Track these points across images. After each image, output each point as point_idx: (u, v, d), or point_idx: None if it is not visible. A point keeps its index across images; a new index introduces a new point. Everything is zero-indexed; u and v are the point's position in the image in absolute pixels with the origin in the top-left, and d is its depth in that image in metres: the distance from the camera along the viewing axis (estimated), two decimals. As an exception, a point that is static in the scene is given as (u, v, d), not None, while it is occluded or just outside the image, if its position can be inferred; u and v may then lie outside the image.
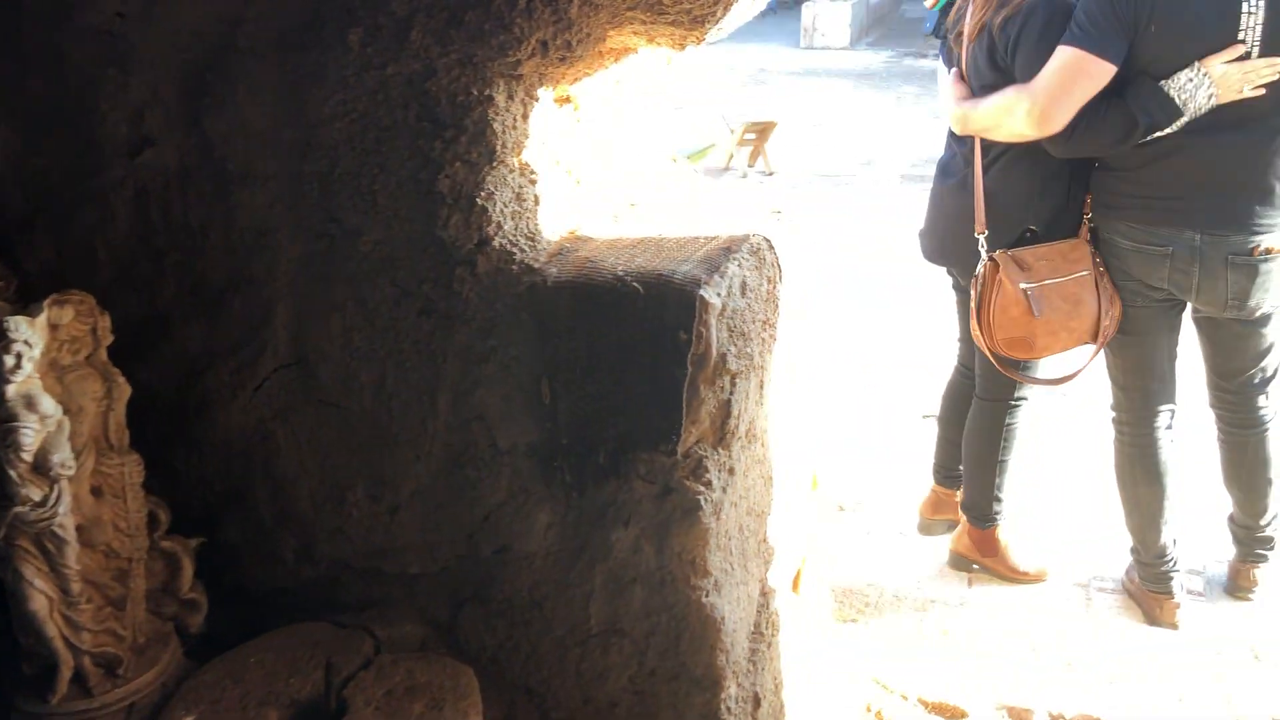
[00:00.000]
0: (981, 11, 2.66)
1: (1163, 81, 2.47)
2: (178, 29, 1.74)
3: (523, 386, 1.68)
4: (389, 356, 1.75)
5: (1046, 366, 2.95)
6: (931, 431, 4.16)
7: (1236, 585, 3.10)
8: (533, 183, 1.70)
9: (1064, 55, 2.47)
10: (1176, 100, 2.45)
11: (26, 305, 1.53)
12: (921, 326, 5.21)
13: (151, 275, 1.83)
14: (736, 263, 1.68)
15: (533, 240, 1.68)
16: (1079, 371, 2.83)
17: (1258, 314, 2.66)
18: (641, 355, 1.60)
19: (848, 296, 5.65)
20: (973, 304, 2.72)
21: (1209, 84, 2.44)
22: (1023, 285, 2.64)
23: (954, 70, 2.86)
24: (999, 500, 3.18)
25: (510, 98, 1.62)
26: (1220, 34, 2.41)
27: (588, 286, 1.61)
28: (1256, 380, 2.82)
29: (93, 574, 1.61)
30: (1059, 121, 2.49)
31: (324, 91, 1.66)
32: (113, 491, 1.64)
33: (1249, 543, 3.05)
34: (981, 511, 3.17)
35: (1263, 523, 3.00)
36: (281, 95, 1.70)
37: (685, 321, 1.57)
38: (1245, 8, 2.39)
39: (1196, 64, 2.45)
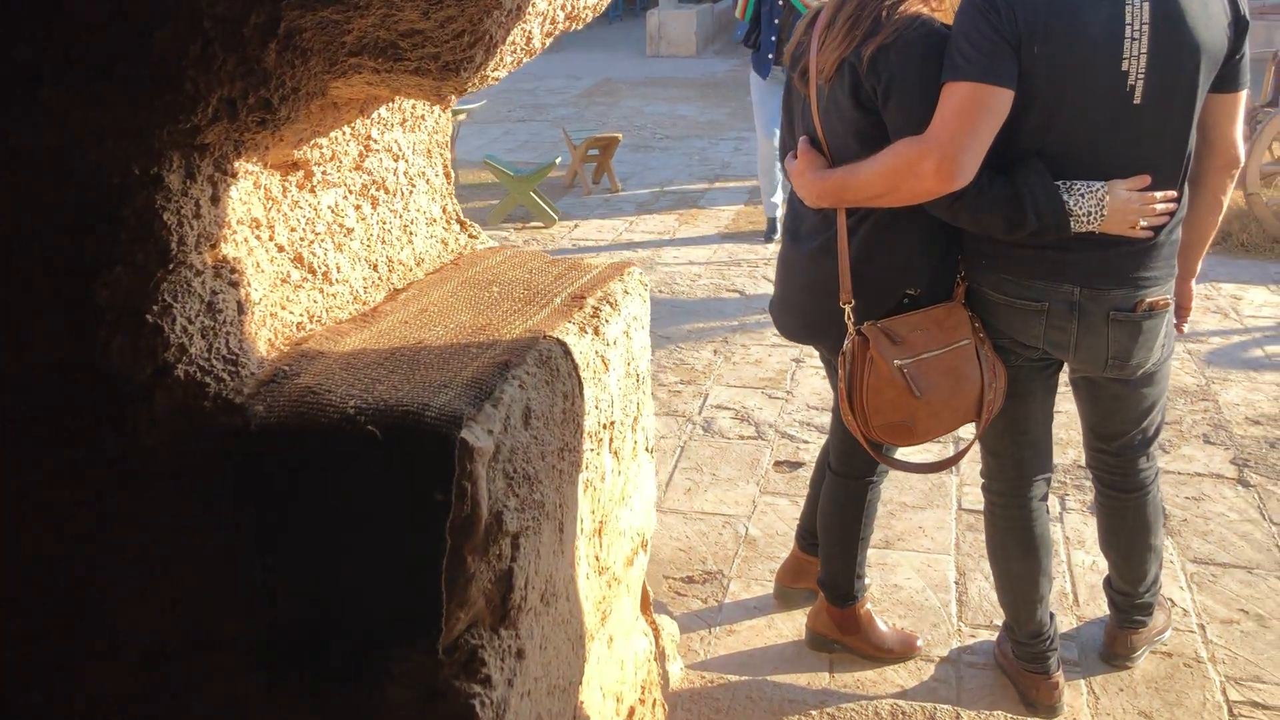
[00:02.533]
0: (840, 44, 2.30)
1: (1062, 184, 2.18)
2: None
3: (230, 562, 1.24)
4: (50, 524, 1.28)
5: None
6: (782, 486, 3.84)
7: (1114, 652, 2.87)
8: (234, 285, 1.25)
9: (959, 92, 2.14)
10: (1069, 206, 2.17)
11: None
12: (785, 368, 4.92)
13: None
14: (516, 382, 1.28)
15: (234, 364, 1.24)
16: (962, 455, 2.52)
17: (1139, 373, 2.40)
18: (385, 523, 1.18)
19: (701, 335, 5.32)
20: (841, 386, 2.37)
21: (1102, 209, 2.18)
22: (897, 361, 2.30)
23: (803, 138, 2.49)
24: (860, 577, 2.87)
25: (190, 177, 1.17)
26: (1106, 59, 2.12)
27: (306, 432, 1.18)
28: (1137, 441, 2.57)
29: None
30: (971, 170, 2.15)
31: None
32: None
33: (1127, 609, 2.82)
34: (841, 591, 2.86)
35: (1141, 589, 2.77)
36: None
37: (441, 476, 1.15)
38: (1128, 32, 2.11)
39: (1103, 185, 2.18)
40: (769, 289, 5.95)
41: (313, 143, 1.38)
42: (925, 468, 2.58)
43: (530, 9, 1.26)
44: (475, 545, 1.19)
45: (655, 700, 1.85)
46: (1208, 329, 5.09)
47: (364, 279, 1.52)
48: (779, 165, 7.12)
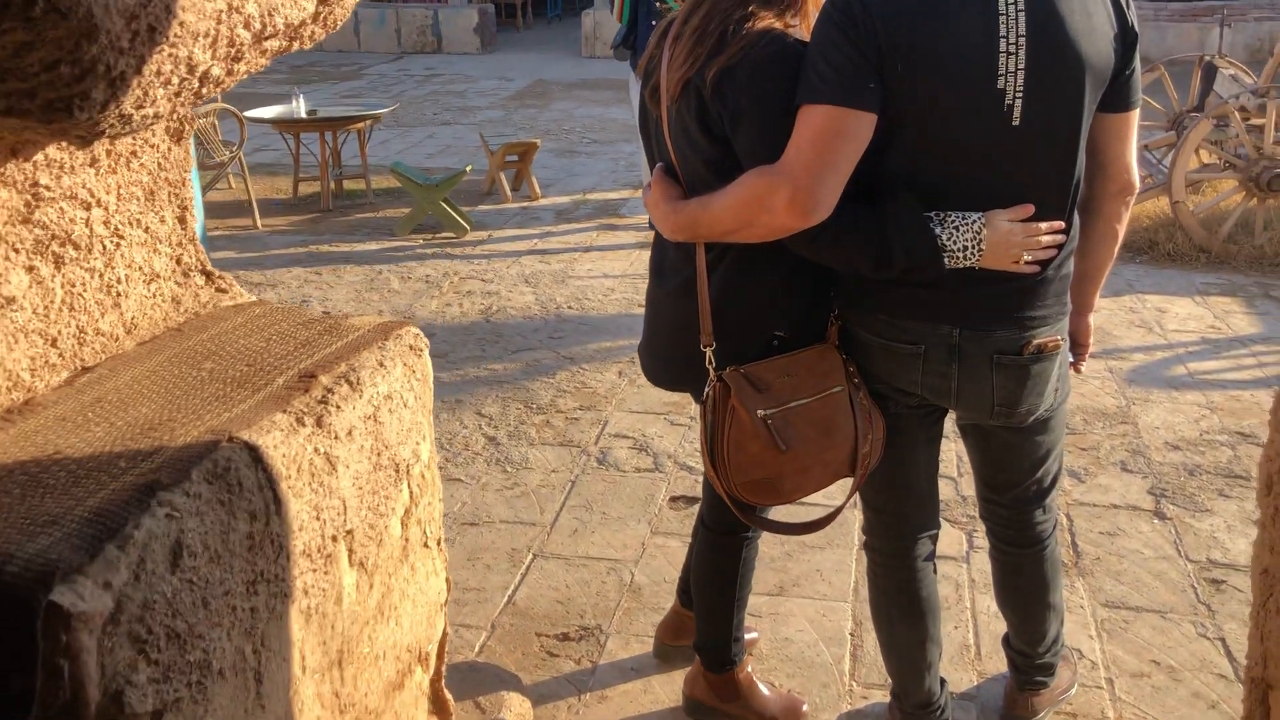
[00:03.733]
0: (684, 64, 2.02)
1: (933, 215, 1.93)
2: None
3: None
4: None
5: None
6: (675, 525, 3.60)
7: (1014, 715, 2.63)
8: None
9: (814, 116, 1.86)
10: (942, 240, 1.92)
11: None
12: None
13: None
14: (164, 510, 0.99)
15: None
16: (835, 514, 2.26)
17: (1030, 420, 2.16)
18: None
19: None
20: (701, 437, 2.10)
21: (980, 243, 1.93)
22: (761, 412, 2.03)
23: (657, 166, 2.22)
24: (738, 640, 2.60)
25: None
26: (979, 76, 1.87)
27: None
28: (1032, 493, 2.33)
29: None
30: (828, 203, 1.88)
31: None
32: None
33: (1027, 670, 2.58)
34: (718, 656, 2.59)
35: (1041, 649, 2.53)
36: None
37: (17, 652, 0.87)
38: (1003, 45, 1.86)
39: (980, 216, 1.93)
40: (683, 304, 5.69)
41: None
42: (794, 528, 2.32)
43: (176, 30, 0.97)
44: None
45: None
46: (1130, 345, 4.89)
47: (31, 359, 1.23)
48: None
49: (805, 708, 2.69)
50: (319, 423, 1.21)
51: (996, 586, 2.53)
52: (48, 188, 1.25)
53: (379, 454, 1.33)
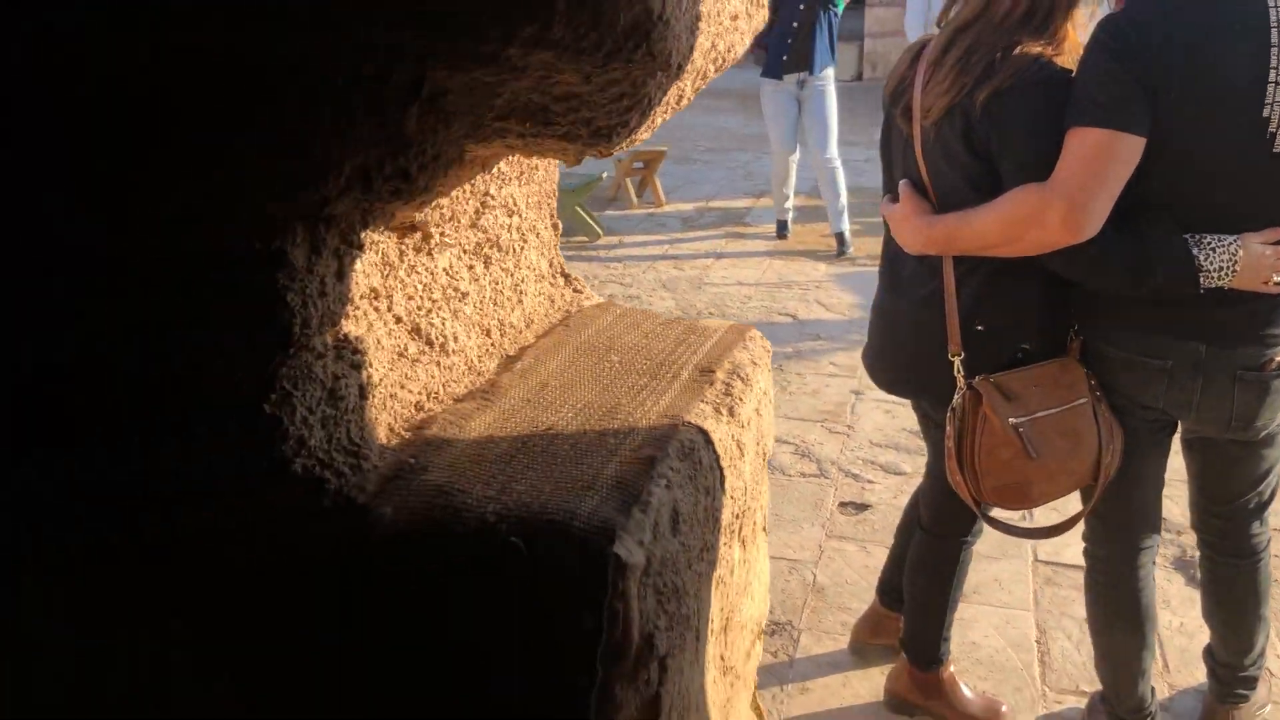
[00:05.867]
0: (950, 89, 2.15)
1: (1190, 237, 2.04)
2: None
3: (339, 681, 1.11)
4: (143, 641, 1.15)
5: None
6: (849, 530, 3.70)
7: (1211, 728, 2.70)
8: (356, 367, 1.12)
9: (1087, 138, 1.99)
10: (1199, 261, 2.03)
11: None
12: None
13: None
14: (664, 481, 1.14)
15: (355, 456, 1.11)
16: (1075, 520, 2.37)
17: (1261, 434, 2.25)
18: (519, 650, 1.04)
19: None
20: (950, 444, 2.22)
21: (1235, 264, 2.03)
22: (1012, 420, 2.15)
23: (902, 182, 2.35)
24: (945, 640, 2.72)
25: (315, 252, 1.04)
26: (1246, 105, 1.98)
27: (439, 541, 1.05)
28: (1252, 505, 2.41)
29: None
30: (1098, 222, 2.00)
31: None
32: None
33: (1230, 682, 2.65)
34: (926, 654, 2.71)
35: (1246, 662, 2.61)
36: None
37: (591, 597, 1.02)
38: (1273, 76, 1.96)
39: (1235, 239, 2.03)
40: (822, 313, 5.80)
41: (434, 203, 1.26)
42: (1038, 533, 2.43)
43: (690, 66, 1.13)
44: (624, 673, 1.06)
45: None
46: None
47: (478, 347, 1.39)
48: (792, 179, 7.10)
49: (1005, 709, 2.79)
50: (731, 412, 1.36)
51: (1205, 598, 2.61)
52: (492, 196, 1.42)
53: (758, 443, 1.48)
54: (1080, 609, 3.08)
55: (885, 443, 4.27)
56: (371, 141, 1.00)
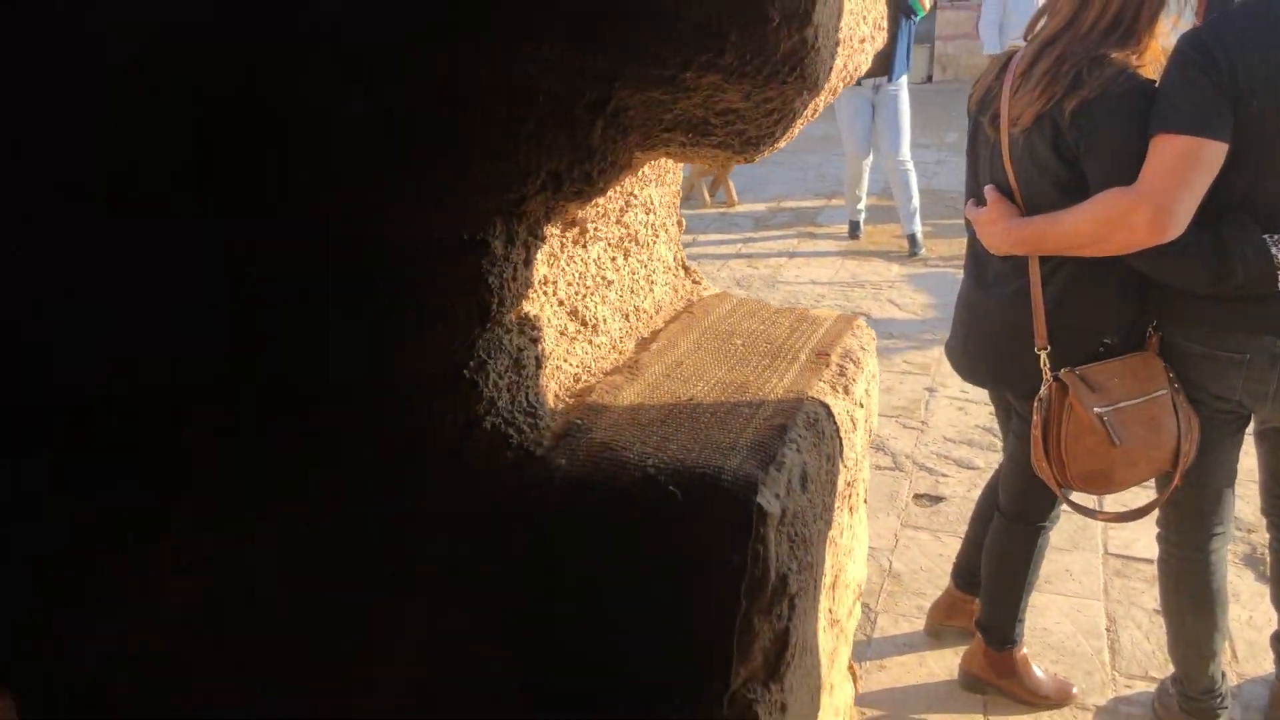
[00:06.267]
0: (1039, 98, 2.30)
1: (1269, 237, 2.17)
2: None
3: (514, 615, 1.30)
4: (340, 576, 1.35)
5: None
6: (924, 520, 3.84)
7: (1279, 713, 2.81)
8: (534, 341, 1.32)
9: (1172, 145, 2.14)
10: (1278, 260, 2.16)
11: None
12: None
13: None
14: (794, 445, 1.32)
15: (533, 416, 1.30)
16: (1153, 506, 2.52)
17: None
18: (675, 581, 1.23)
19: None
20: (1036, 432, 2.38)
21: None
22: (1097, 409, 2.30)
23: (988, 186, 2.50)
24: (1020, 622, 2.86)
25: (510, 242, 1.24)
26: None
27: (608, 489, 1.23)
28: None
29: None
30: (1184, 223, 2.16)
31: (260, 237, 1.27)
32: None
33: (1298, 670, 2.77)
34: (1001, 635, 2.85)
35: (1316, 649, 2.72)
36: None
37: (738, 538, 1.20)
38: None
39: None
40: (895, 312, 5.93)
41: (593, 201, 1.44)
42: (1118, 517, 2.57)
43: (827, 85, 1.30)
44: (762, 606, 1.24)
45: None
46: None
47: (620, 329, 1.58)
48: (865, 181, 7.21)
49: (1075, 691, 2.92)
50: (846, 390, 1.53)
51: (1275, 584, 2.72)
52: (634, 196, 1.60)
53: (867, 420, 1.65)
54: (1150, 600, 3.21)
55: (959, 438, 4.40)
56: (563, 149, 1.19)
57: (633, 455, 1.26)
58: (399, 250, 1.21)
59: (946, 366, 4.48)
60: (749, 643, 1.24)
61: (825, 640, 1.58)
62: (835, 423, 1.44)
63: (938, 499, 3.95)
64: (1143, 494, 3.27)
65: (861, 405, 1.57)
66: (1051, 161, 2.33)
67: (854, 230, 7.39)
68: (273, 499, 1.34)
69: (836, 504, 1.51)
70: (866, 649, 3.15)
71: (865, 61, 1.48)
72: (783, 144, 1.36)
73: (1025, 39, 2.51)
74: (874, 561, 3.56)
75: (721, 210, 8.09)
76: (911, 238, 6.86)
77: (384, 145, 1.17)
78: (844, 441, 1.49)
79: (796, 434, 1.34)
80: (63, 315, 1.32)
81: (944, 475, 4.12)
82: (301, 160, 1.19)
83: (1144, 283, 2.38)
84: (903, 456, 4.27)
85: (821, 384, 1.50)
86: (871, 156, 7.13)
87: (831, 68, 1.28)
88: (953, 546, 3.48)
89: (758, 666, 1.29)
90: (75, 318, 1.32)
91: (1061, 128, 2.28)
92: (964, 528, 3.25)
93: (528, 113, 1.17)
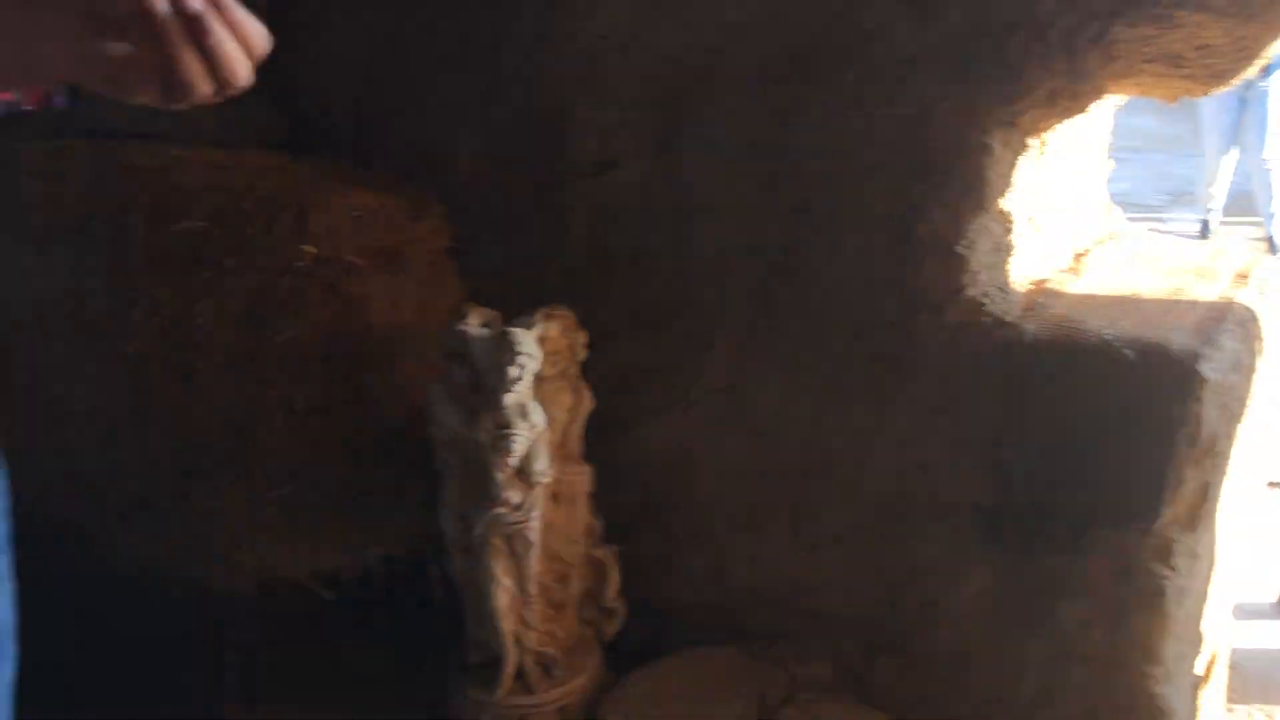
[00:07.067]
0: None
1: None
2: (656, 55, 1.77)
3: (975, 443, 1.63)
4: (831, 395, 1.73)
5: None
6: None
7: None
8: (1008, 232, 1.63)
9: None
10: None
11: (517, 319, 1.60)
12: None
13: (597, 290, 1.88)
14: (1228, 335, 1.57)
15: (1004, 292, 1.62)
16: None
17: None
18: (1123, 427, 1.51)
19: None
20: None
21: None
22: None
23: None
24: None
25: (1005, 146, 1.56)
26: None
27: (1070, 347, 1.53)
28: None
29: (541, 576, 1.68)
30: None
31: (806, 126, 1.66)
32: (567, 499, 1.70)
33: None
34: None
35: None
36: (756, 126, 1.71)
37: (1180, 397, 1.47)
38: None
39: None
40: None
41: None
42: None
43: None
44: (1195, 457, 1.50)
45: (1225, 641, 2.08)
46: None
47: (1060, 239, 1.87)
48: (1222, 179, 6.85)
49: None
50: (1266, 302, 1.74)
51: None
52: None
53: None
54: None
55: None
56: (1061, 73, 1.50)
57: (1090, 328, 1.56)
58: (947, 144, 1.56)
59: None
60: (1177, 487, 1.51)
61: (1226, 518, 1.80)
62: (1260, 326, 1.67)
63: None
64: None
65: (1273, 316, 1.78)
66: None
67: (1204, 230, 7.11)
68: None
69: (1249, 395, 1.73)
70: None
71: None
72: (1238, 80, 1.61)
73: None
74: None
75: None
76: (1271, 241, 6.55)
77: (940, 65, 1.52)
78: (1265, 344, 1.71)
79: (1230, 327, 1.59)
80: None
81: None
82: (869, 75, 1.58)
83: None
84: None
85: (1245, 298, 1.73)
86: (1231, 155, 6.84)
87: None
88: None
89: (1180, 512, 1.55)
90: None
91: None
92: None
93: (1036, 43, 1.49)
